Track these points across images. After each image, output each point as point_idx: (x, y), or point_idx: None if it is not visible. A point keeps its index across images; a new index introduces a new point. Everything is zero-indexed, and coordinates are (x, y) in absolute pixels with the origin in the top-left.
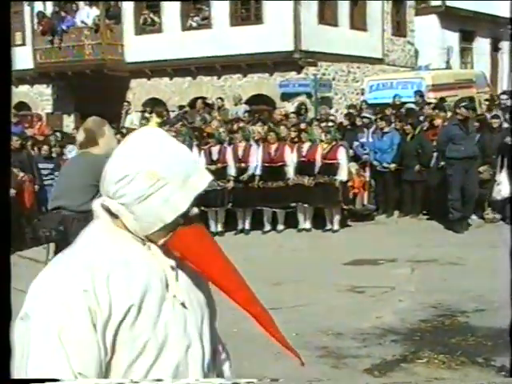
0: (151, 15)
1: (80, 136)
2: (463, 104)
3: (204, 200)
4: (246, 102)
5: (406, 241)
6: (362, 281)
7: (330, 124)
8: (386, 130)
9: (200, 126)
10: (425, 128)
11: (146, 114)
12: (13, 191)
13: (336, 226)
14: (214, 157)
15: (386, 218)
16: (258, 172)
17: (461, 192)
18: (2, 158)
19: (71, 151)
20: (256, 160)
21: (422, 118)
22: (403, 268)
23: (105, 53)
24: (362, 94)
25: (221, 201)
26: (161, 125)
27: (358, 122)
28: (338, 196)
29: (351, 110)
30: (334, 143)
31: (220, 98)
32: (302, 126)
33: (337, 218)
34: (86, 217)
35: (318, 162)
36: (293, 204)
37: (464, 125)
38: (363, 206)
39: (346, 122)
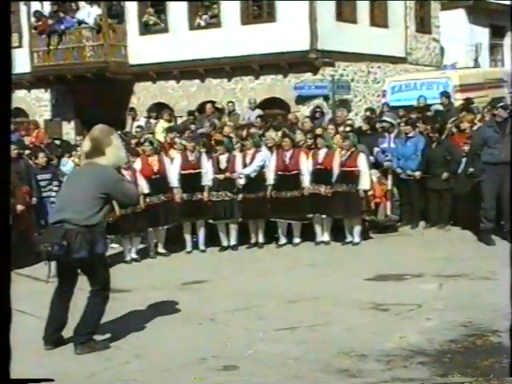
0: (156, 14)
1: (86, 145)
2: (501, 104)
3: (212, 212)
4: (259, 106)
5: (433, 254)
6: (386, 297)
7: (348, 128)
8: (411, 134)
9: (209, 131)
10: (452, 132)
11: (152, 120)
12: (20, 207)
13: (357, 239)
14: (223, 165)
15: (411, 230)
16: (271, 181)
17: (495, 200)
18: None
19: (65, 164)
20: (256, 163)
21: (449, 122)
22: (430, 283)
23: (107, 55)
24: (384, 95)
25: (230, 213)
26: (168, 130)
27: (379, 126)
28: (359, 206)
29: (371, 114)
30: (352, 149)
31: (231, 102)
32: (318, 131)
33: (357, 229)
34: (92, 231)
35: (336, 170)
36: (309, 215)
37: (500, 127)
38: (386, 217)
39: (365, 127)
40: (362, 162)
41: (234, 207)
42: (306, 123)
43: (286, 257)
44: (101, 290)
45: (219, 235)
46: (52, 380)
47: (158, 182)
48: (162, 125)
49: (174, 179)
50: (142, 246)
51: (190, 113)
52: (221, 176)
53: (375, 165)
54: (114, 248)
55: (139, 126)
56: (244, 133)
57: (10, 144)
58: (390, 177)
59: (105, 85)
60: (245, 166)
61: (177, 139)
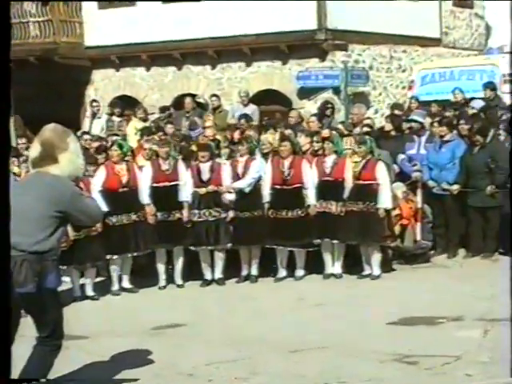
0: None
1: (34, 150)
2: None
3: (192, 236)
4: (251, 101)
5: (476, 291)
6: (414, 347)
7: (366, 130)
8: (447, 137)
9: (187, 134)
10: (499, 134)
11: (115, 118)
12: None
13: (377, 271)
14: (205, 176)
15: (448, 259)
16: (267, 198)
17: None
18: None
19: None
20: (252, 175)
21: (495, 121)
22: (472, 329)
23: (56, 33)
24: (411, 88)
25: (215, 237)
26: (143, 132)
27: (405, 126)
28: (379, 229)
29: (395, 111)
30: (369, 156)
31: (215, 96)
32: (325, 133)
33: (377, 259)
34: (42, 259)
35: (349, 183)
36: (316, 241)
37: None
38: (415, 243)
39: (388, 127)
40: (382, 172)
41: (220, 230)
42: (313, 123)
43: (286, 294)
44: (50, 337)
45: (201, 266)
46: (36, 380)
47: (128, 196)
48: (134, 125)
49: (144, 194)
50: (100, 278)
51: (164, 109)
52: (203, 190)
53: (400, 176)
54: (67, 282)
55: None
56: (236, 135)
57: (10, 146)
58: (419, 192)
59: (54, 72)
60: (236, 177)
61: (145, 143)
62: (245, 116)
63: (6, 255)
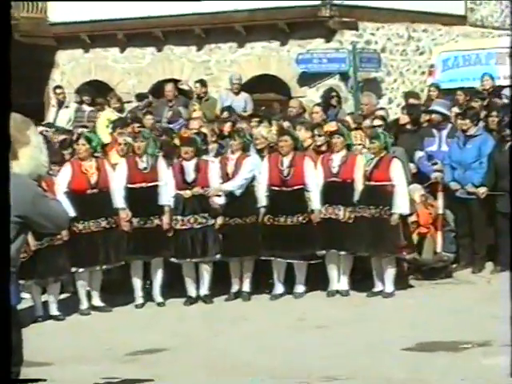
0: None
1: None
2: None
3: (174, 246)
4: (244, 88)
5: (505, 312)
6: (434, 376)
7: (378, 123)
8: (472, 131)
9: (168, 126)
10: None
11: (86, 107)
12: None
13: (390, 287)
14: (190, 176)
15: (473, 274)
16: (263, 201)
17: None
18: None
19: None
20: (244, 175)
21: None
22: (500, 356)
23: (15, 7)
24: (431, 73)
25: (201, 247)
26: (117, 124)
27: (424, 119)
28: (394, 238)
29: (411, 100)
30: (383, 153)
31: (201, 82)
32: (331, 125)
33: (391, 273)
34: None
35: (359, 184)
36: (320, 252)
37: None
38: (435, 255)
39: (403, 120)
40: (397, 172)
41: (207, 239)
42: (316, 114)
43: (284, 313)
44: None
45: (184, 280)
46: (45, 380)
47: (97, 199)
48: (107, 115)
49: (118, 196)
50: (66, 295)
51: (141, 97)
52: (187, 192)
53: (418, 177)
54: (27, 299)
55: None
56: (226, 128)
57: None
58: (440, 195)
59: (12, 52)
60: (225, 177)
61: (119, 137)
62: (227, 109)
63: (6, 255)
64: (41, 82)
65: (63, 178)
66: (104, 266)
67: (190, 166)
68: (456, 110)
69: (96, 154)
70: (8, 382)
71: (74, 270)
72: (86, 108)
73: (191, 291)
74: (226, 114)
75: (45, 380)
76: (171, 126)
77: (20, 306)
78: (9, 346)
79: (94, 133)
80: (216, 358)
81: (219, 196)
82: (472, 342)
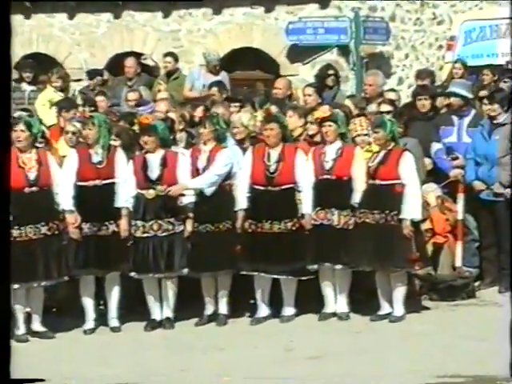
0: None
1: None
2: None
3: (134, 258)
4: (222, 64)
5: None
6: None
7: (386, 108)
8: (501, 119)
9: (129, 110)
10: None
11: (26, 86)
12: None
13: (399, 310)
14: (154, 173)
15: (500, 294)
16: (243, 204)
17: None
18: None
19: None
20: (216, 170)
21: None
22: None
23: None
24: (450, 48)
25: (167, 260)
26: (61, 106)
27: (441, 103)
28: (404, 249)
29: (425, 81)
30: (391, 146)
31: (172, 56)
32: (323, 110)
33: (401, 292)
34: None
35: (360, 183)
36: (313, 266)
37: None
38: (454, 270)
39: (419, 105)
40: (408, 168)
41: (174, 250)
42: (309, 96)
43: (268, 341)
44: None
45: (146, 300)
46: (35, 380)
47: (37, 199)
48: (47, 95)
49: (65, 196)
50: None
51: (94, 74)
52: (150, 192)
53: (434, 175)
54: None
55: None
56: (198, 113)
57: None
58: (461, 197)
59: None
60: (195, 174)
61: (67, 123)
62: (217, 84)
63: (6, 254)
64: None
65: None
66: (44, 282)
67: (154, 160)
68: (483, 92)
69: (37, 144)
70: (8, 382)
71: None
72: (27, 87)
73: (154, 313)
74: (214, 90)
75: (43, 380)
76: (140, 109)
77: None
78: (9, 347)
79: (34, 117)
80: None
81: (188, 197)
82: (500, 379)
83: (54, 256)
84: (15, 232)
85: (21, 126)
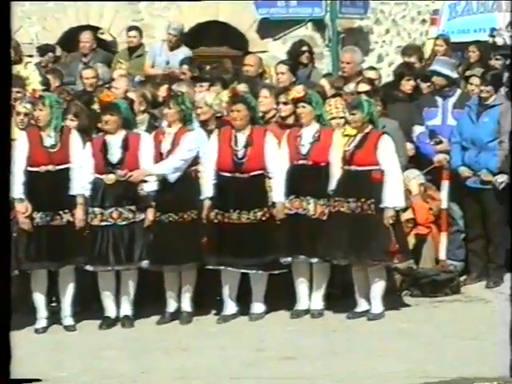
0: None
1: None
2: None
3: (88, 250)
4: (187, 40)
5: None
6: None
7: (365, 88)
8: (490, 100)
9: (84, 88)
10: None
11: None
12: None
13: (378, 307)
14: (114, 156)
15: (488, 289)
16: (209, 191)
17: None
18: None
19: None
20: (181, 154)
21: None
22: None
23: None
24: (434, 22)
25: (126, 251)
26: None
27: (424, 85)
28: (383, 241)
29: (411, 58)
30: (368, 129)
31: (135, 29)
32: (297, 90)
33: (379, 287)
34: None
35: (337, 169)
36: (285, 259)
37: None
38: (437, 264)
39: (401, 85)
40: (388, 153)
41: (134, 240)
42: (282, 75)
43: (236, 341)
44: None
45: (101, 296)
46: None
47: None
48: None
49: (14, 183)
50: None
51: (46, 49)
52: (109, 177)
53: (416, 160)
54: None
55: None
56: (161, 92)
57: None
58: (445, 184)
59: None
60: (159, 158)
61: (17, 103)
62: (188, 61)
63: (6, 254)
64: None
65: None
66: None
67: (115, 142)
68: (469, 71)
69: None
70: (8, 382)
71: None
72: None
73: (110, 310)
74: (185, 69)
75: (36, 380)
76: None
77: None
78: (9, 346)
79: None
80: None
81: (149, 183)
82: (487, 379)
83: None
84: None
85: None
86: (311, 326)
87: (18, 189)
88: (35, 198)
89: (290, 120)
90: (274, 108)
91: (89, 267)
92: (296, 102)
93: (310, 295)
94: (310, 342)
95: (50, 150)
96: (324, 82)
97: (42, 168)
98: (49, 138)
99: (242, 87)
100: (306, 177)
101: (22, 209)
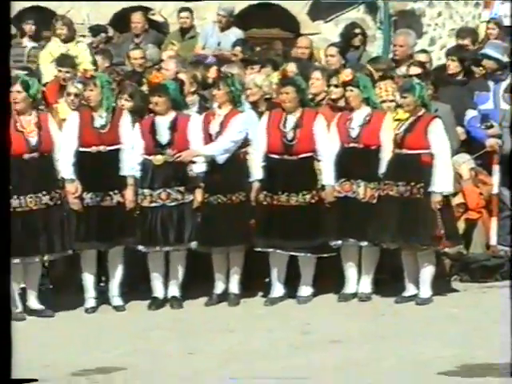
0: None
1: None
2: None
3: (140, 230)
4: (238, 22)
5: None
6: None
7: (416, 71)
8: None
9: (134, 68)
10: None
11: (27, 42)
12: None
13: (426, 291)
14: (163, 137)
15: None
16: (258, 174)
17: None
18: None
19: None
20: (231, 136)
21: None
22: None
23: None
24: (488, 5)
25: (176, 232)
26: (63, 63)
27: (477, 69)
28: (432, 226)
29: (464, 41)
30: (420, 112)
31: (186, 10)
32: (345, 73)
33: (428, 272)
34: None
35: (386, 153)
36: (335, 242)
37: None
38: (488, 249)
39: (452, 68)
40: (439, 137)
41: (183, 221)
42: (332, 57)
43: (283, 323)
44: None
45: (151, 276)
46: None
47: (38, 166)
48: (50, 48)
49: (65, 163)
50: None
51: (97, 30)
52: (158, 158)
53: (468, 144)
54: None
55: None
56: (211, 73)
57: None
58: (496, 169)
59: None
60: (208, 140)
61: (69, 83)
62: (241, 43)
63: (6, 253)
64: None
65: None
66: (46, 257)
67: (164, 123)
68: None
69: (36, 106)
70: (8, 382)
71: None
72: (28, 43)
73: (158, 291)
74: (237, 51)
75: (36, 380)
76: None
77: None
78: (9, 346)
79: (33, 76)
80: (189, 382)
81: (197, 164)
82: None
83: (56, 228)
84: (14, 202)
85: (17, 87)
86: (359, 309)
87: (68, 169)
88: (85, 179)
89: (342, 103)
90: (324, 90)
91: (140, 247)
92: (345, 85)
93: (358, 279)
94: (357, 325)
95: (101, 130)
96: (374, 65)
97: (93, 149)
98: (100, 119)
99: (292, 69)
100: (357, 160)
101: (72, 189)
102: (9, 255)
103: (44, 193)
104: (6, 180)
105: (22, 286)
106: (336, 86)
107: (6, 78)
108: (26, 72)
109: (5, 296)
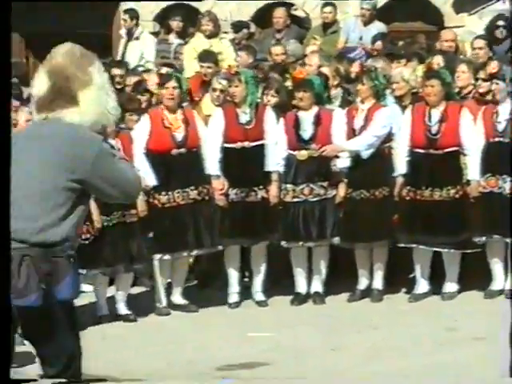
0: None
1: (39, 86)
2: None
3: (283, 226)
4: (377, 16)
5: None
6: None
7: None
8: None
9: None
10: None
11: (173, 39)
12: None
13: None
14: (306, 131)
15: None
16: (402, 168)
17: None
18: None
19: None
20: (375, 130)
21: None
22: None
23: None
24: None
25: (319, 228)
26: (205, 59)
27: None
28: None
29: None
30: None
31: (330, 5)
32: (492, 66)
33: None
34: (49, 255)
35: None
36: (480, 238)
37: None
38: None
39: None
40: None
41: (325, 216)
42: (480, 50)
43: (428, 320)
44: (61, 378)
45: (294, 272)
46: (35, 380)
47: (185, 162)
48: (195, 44)
49: (211, 159)
50: (140, 289)
51: (240, 26)
52: (302, 153)
53: None
54: (88, 293)
55: None
56: (354, 68)
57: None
58: None
59: None
60: (351, 134)
61: (214, 79)
62: (382, 37)
63: (6, 253)
64: (108, 5)
65: (141, 133)
66: (195, 252)
67: (307, 118)
68: None
69: (181, 104)
70: (8, 382)
71: (157, 256)
72: (174, 39)
73: (301, 286)
74: (379, 45)
75: (35, 380)
76: (351, 55)
77: (78, 302)
78: (9, 346)
79: (178, 72)
80: (332, 379)
81: (341, 159)
82: None
83: (205, 223)
84: (163, 198)
85: (172, 83)
86: (505, 307)
87: (214, 165)
88: (231, 175)
89: (489, 96)
90: (471, 84)
91: (283, 243)
92: (491, 78)
93: (506, 276)
94: (503, 323)
95: (246, 126)
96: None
97: (238, 144)
98: (244, 115)
99: (438, 62)
100: (503, 155)
101: (219, 185)
102: (9, 256)
103: (192, 188)
104: (6, 180)
105: (167, 281)
106: (484, 80)
107: (6, 77)
108: (171, 69)
109: (4, 295)
